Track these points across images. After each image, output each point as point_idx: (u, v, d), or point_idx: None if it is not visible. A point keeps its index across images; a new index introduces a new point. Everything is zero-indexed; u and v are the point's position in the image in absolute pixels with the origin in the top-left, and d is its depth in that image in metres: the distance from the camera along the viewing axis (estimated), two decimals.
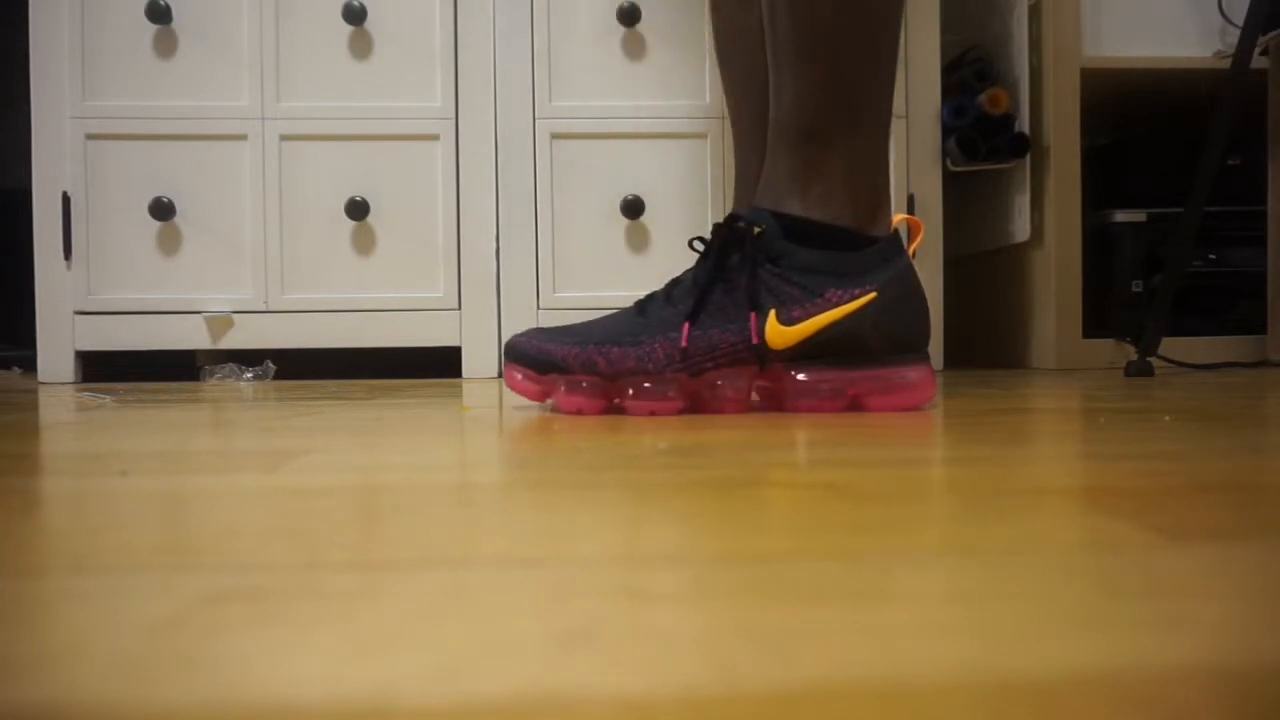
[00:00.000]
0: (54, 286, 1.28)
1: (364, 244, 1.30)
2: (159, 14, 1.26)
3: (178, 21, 1.28)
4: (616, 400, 0.69)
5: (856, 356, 0.68)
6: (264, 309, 1.29)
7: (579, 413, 0.69)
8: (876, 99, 0.72)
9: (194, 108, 1.28)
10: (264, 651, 0.18)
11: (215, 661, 0.18)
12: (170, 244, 1.29)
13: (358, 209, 1.28)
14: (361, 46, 1.30)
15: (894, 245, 0.70)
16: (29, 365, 1.45)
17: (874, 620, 0.20)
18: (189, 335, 1.29)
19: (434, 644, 0.18)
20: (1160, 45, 1.34)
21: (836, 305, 0.68)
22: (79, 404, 0.87)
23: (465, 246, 1.31)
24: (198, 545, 0.27)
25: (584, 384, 0.69)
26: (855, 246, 0.69)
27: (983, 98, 1.34)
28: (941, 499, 0.33)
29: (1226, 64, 1.19)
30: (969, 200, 1.55)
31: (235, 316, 1.29)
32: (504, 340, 0.73)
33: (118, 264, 1.28)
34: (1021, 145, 1.34)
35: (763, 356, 0.68)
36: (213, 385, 1.20)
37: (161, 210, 1.26)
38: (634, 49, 1.32)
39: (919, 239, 0.74)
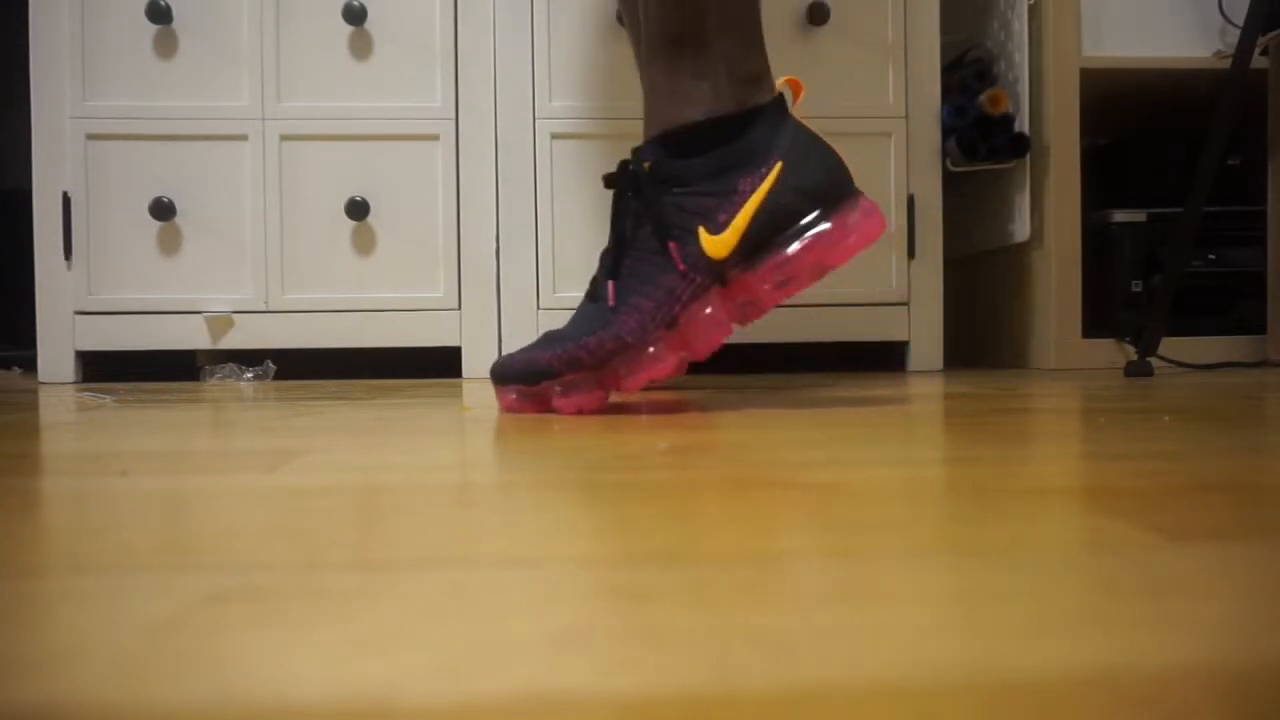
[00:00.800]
0: (54, 286, 1.28)
1: (364, 244, 1.30)
2: (159, 14, 1.26)
3: (178, 21, 1.28)
4: (612, 385, 0.69)
5: (796, 227, 0.68)
6: (264, 309, 1.29)
7: (581, 412, 0.69)
8: None
9: (194, 108, 1.28)
10: (264, 651, 0.18)
11: (215, 661, 0.18)
12: (170, 244, 1.29)
13: (358, 209, 1.28)
14: (361, 46, 1.30)
15: (775, 110, 0.69)
16: (29, 365, 1.45)
17: (874, 620, 0.20)
18: (189, 335, 1.29)
19: (434, 644, 0.18)
20: (1160, 45, 1.34)
21: (752, 192, 0.67)
22: (79, 404, 0.87)
23: (465, 246, 1.31)
24: (198, 545, 0.27)
25: (577, 381, 0.68)
26: (741, 127, 0.69)
27: (983, 98, 1.34)
28: (941, 499, 0.33)
29: (1226, 64, 1.19)
30: (969, 200, 1.55)
31: (235, 316, 1.29)
32: (499, 354, 0.72)
33: (118, 264, 1.28)
34: (1021, 145, 1.34)
35: (716, 273, 0.68)
36: (213, 385, 1.20)
37: (162, 210, 1.26)
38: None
39: (801, 96, 0.73)
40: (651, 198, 0.68)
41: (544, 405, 0.70)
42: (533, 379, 0.69)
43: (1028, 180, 1.36)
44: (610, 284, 0.68)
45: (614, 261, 0.69)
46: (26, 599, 0.22)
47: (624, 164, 0.70)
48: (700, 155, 0.68)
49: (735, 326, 0.70)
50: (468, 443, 0.52)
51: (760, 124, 0.68)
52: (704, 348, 0.69)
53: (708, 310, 0.68)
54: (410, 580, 0.23)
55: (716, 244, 0.67)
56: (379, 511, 0.32)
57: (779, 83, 0.72)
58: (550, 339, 0.71)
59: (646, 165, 0.69)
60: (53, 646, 0.18)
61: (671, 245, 0.67)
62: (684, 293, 0.68)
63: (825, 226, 0.67)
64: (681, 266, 0.67)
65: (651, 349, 0.68)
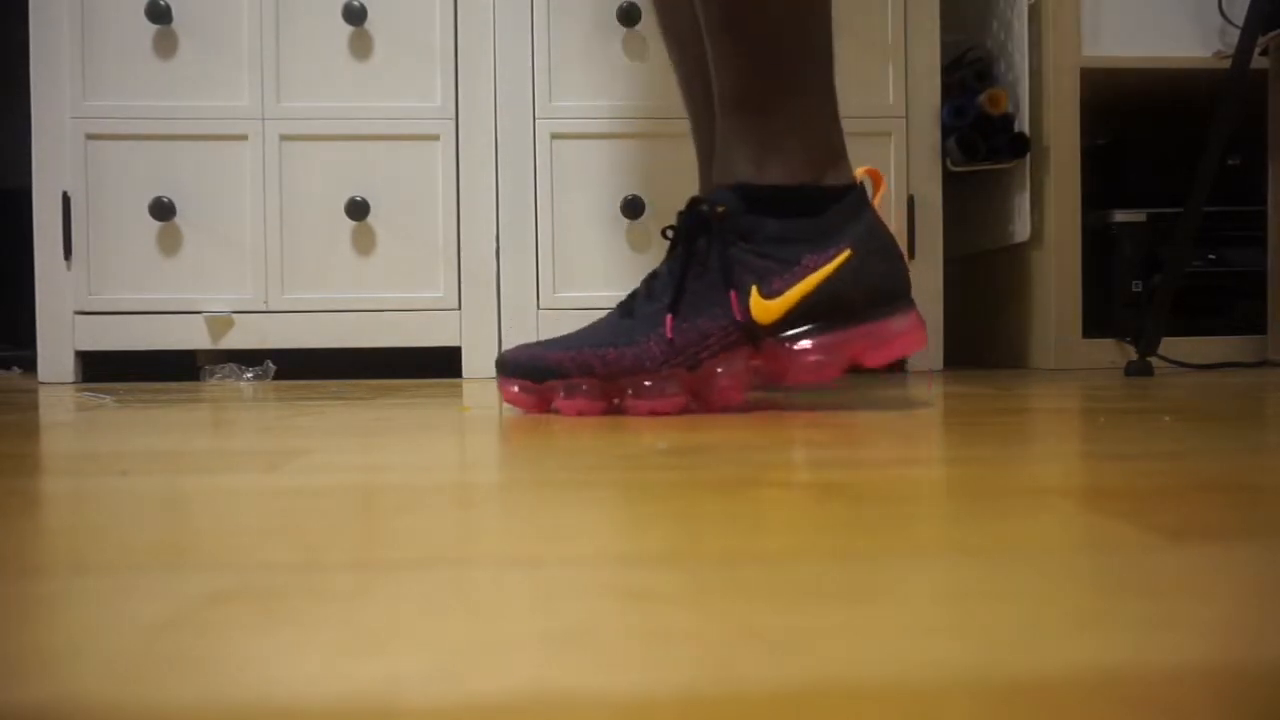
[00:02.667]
0: (54, 286, 1.28)
1: (364, 244, 1.30)
2: (159, 14, 1.26)
3: (178, 21, 1.28)
4: (616, 401, 0.69)
5: (843, 315, 0.68)
6: (264, 309, 1.29)
7: (580, 415, 0.69)
8: (818, 53, 0.71)
9: (194, 108, 1.28)
10: (264, 651, 0.18)
11: (215, 661, 0.18)
12: (170, 244, 1.29)
13: (358, 209, 1.28)
14: (361, 46, 1.30)
15: (858, 199, 0.70)
16: (29, 365, 1.45)
17: (874, 620, 0.20)
18: (189, 335, 1.29)
19: (434, 644, 0.18)
20: (1160, 45, 1.34)
21: (815, 269, 0.67)
22: (79, 404, 0.87)
23: (465, 246, 1.31)
24: (198, 545, 0.27)
25: (583, 386, 0.68)
26: (819, 202, 0.69)
27: (983, 98, 1.34)
28: (941, 499, 0.33)
29: (1226, 64, 1.19)
30: (969, 200, 1.55)
31: (235, 316, 1.29)
32: (500, 351, 0.72)
33: (118, 264, 1.28)
34: (1021, 145, 1.34)
35: (753, 334, 0.68)
36: (213, 385, 1.20)
37: (162, 210, 1.26)
38: (634, 49, 1.32)
39: (881, 190, 0.73)
40: (720, 244, 0.68)
41: (545, 403, 0.70)
42: (539, 376, 0.69)
43: (1028, 180, 1.36)
44: (669, 318, 0.68)
45: (674, 296, 0.68)
46: (26, 599, 0.22)
47: (695, 200, 0.70)
48: (774, 218, 0.68)
49: (748, 390, 0.70)
50: (467, 443, 0.52)
51: (840, 206, 0.69)
52: (715, 400, 0.69)
53: (732, 365, 0.68)
54: (410, 580, 0.23)
55: (766, 308, 0.67)
56: (379, 511, 0.32)
57: (859, 172, 0.73)
58: (563, 341, 0.71)
59: (720, 210, 0.68)
60: (53, 646, 0.18)
61: (733, 294, 0.67)
62: (716, 341, 0.68)
63: (872, 326, 0.68)
64: (739, 317, 0.67)
65: (665, 384, 0.68)
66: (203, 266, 1.29)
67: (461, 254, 1.31)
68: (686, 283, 0.69)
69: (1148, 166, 1.45)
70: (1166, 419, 0.60)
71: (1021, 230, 1.38)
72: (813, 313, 0.67)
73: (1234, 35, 1.25)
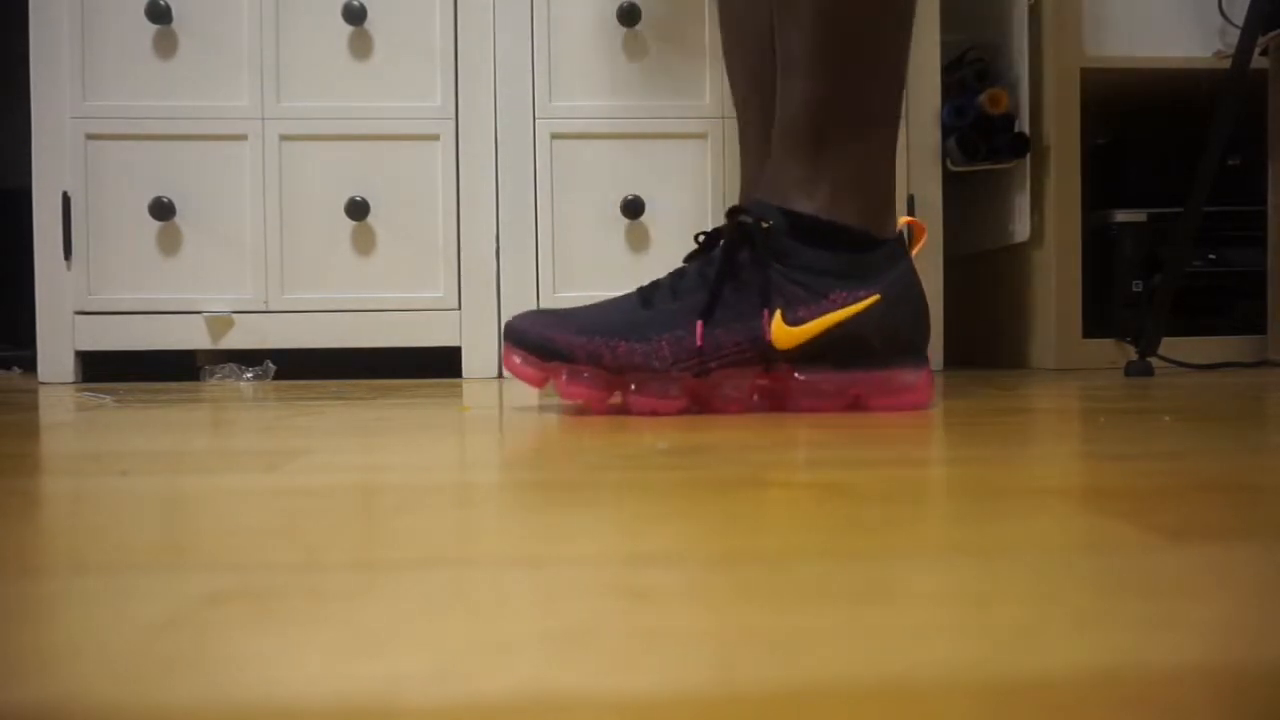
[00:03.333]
0: (54, 286, 1.28)
1: (364, 244, 1.30)
2: (159, 14, 1.26)
3: (178, 21, 1.28)
4: (618, 393, 0.69)
5: (858, 357, 0.69)
6: (264, 309, 1.29)
7: (579, 401, 0.69)
8: (888, 101, 0.72)
9: (194, 108, 1.28)
10: (264, 651, 0.18)
11: (215, 661, 0.18)
12: (170, 244, 1.29)
13: (358, 209, 1.28)
14: (361, 46, 1.30)
15: (898, 248, 0.71)
16: (29, 365, 1.45)
17: (874, 620, 0.20)
18: (189, 335, 1.29)
19: (434, 644, 0.18)
20: (1160, 45, 1.34)
21: (841, 306, 0.68)
22: (79, 404, 0.87)
23: (465, 246, 1.31)
24: (198, 545, 0.27)
25: (586, 374, 0.68)
26: (860, 247, 0.69)
27: (983, 98, 1.34)
28: (941, 499, 0.33)
29: (1226, 64, 1.19)
30: (969, 200, 1.55)
31: (235, 316, 1.29)
32: (514, 316, 0.72)
33: (118, 264, 1.28)
34: (1021, 145, 1.34)
35: (767, 356, 0.68)
36: (213, 385, 1.20)
37: (161, 210, 1.26)
38: (634, 49, 1.32)
39: (922, 242, 0.74)
40: (762, 262, 0.68)
41: (544, 380, 0.70)
42: (546, 355, 0.69)
43: (1028, 180, 1.36)
44: (699, 325, 0.68)
45: (709, 304, 0.68)
46: (26, 599, 0.22)
47: (738, 210, 0.70)
48: (813, 248, 0.68)
49: (748, 406, 0.70)
50: (468, 443, 0.52)
51: (879, 252, 0.69)
52: (716, 407, 0.70)
53: (740, 380, 0.69)
54: (410, 580, 0.23)
55: (786, 334, 0.68)
56: (379, 511, 0.32)
57: (902, 221, 0.73)
58: (577, 320, 0.70)
59: (766, 226, 0.69)
60: (53, 646, 0.18)
61: (766, 312, 0.68)
62: (730, 354, 0.68)
63: (884, 374, 0.69)
64: (767, 336, 0.67)
65: (670, 385, 0.68)
66: (203, 266, 1.29)
67: (461, 254, 1.31)
68: (723, 292, 0.68)
69: (1148, 166, 1.45)
70: (1166, 419, 0.60)
71: (1021, 230, 1.38)
72: (829, 348, 0.68)
73: (1234, 35, 1.25)
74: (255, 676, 0.17)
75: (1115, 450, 0.46)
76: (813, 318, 0.68)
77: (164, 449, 0.50)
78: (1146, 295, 1.35)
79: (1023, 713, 0.15)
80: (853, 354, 0.68)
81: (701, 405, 0.69)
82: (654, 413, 0.68)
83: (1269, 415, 0.64)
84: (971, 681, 0.16)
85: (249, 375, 1.29)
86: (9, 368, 1.60)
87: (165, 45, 1.28)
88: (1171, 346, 1.25)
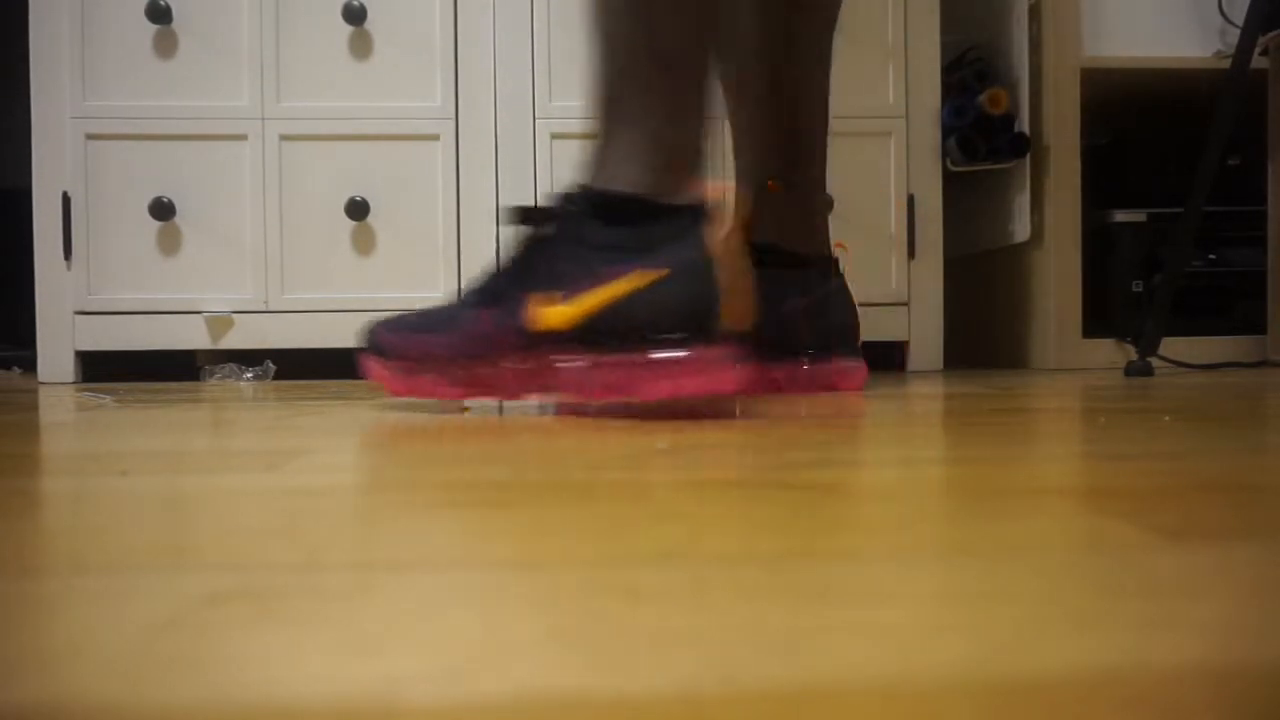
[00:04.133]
0: (54, 286, 1.28)
1: (364, 244, 1.30)
2: (159, 14, 1.26)
3: (178, 21, 1.28)
4: (423, 382, 0.71)
5: (625, 339, 0.63)
6: (264, 309, 1.29)
7: (406, 394, 0.72)
8: (670, 58, 0.66)
9: (194, 108, 1.28)
10: (263, 651, 0.18)
11: (215, 661, 0.18)
12: (170, 244, 1.29)
13: (358, 209, 1.28)
14: (361, 46, 1.30)
15: (692, 219, 0.63)
16: (29, 365, 1.45)
17: (874, 620, 0.20)
18: (189, 335, 1.29)
19: (434, 644, 0.18)
20: (1160, 45, 1.34)
21: (608, 283, 0.62)
22: (79, 404, 0.87)
23: (465, 246, 1.31)
24: (198, 545, 0.27)
25: (401, 369, 0.71)
26: (641, 218, 0.64)
27: (983, 98, 1.34)
28: (941, 499, 0.33)
29: (1226, 64, 1.19)
30: (969, 200, 1.55)
31: (235, 316, 1.29)
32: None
33: (118, 264, 1.28)
34: (1021, 145, 1.34)
35: (533, 340, 0.65)
36: (213, 385, 1.20)
37: (161, 210, 1.26)
38: None
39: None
40: (543, 245, 0.66)
41: (383, 379, 0.74)
42: (386, 356, 0.73)
43: (1028, 180, 1.36)
44: (481, 313, 0.68)
45: (483, 289, 0.68)
46: (26, 599, 0.22)
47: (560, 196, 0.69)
48: (595, 223, 0.65)
49: (537, 391, 0.68)
50: (468, 443, 0.52)
51: (663, 223, 0.63)
52: (498, 393, 0.69)
53: (514, 365, 0.67)
54: (410, 580, 0.23)
55: (548, 315, 0.64)
56: (379, 511, 0.32)
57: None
58: (415, 319, 0.72)
59: (570, 209, 0.66)
60: (53, 646, 0.18)
61: (529, 296, 0.65)
62: (500, 341, 0.66)
63: (646, 357, 0.62)
64: (526, 321, 0.65)
65: (451, 370, 0.69)
66: (203, 266, 1.29)
67: (461, 254, 1.31)
68: (505, 278, 0.68)
69: (1148, 166, 1.45)
70: (1166, 419, 0.60)
71: (1021, 230, 1.38)
72: (600, 326, 0.63)
73: (1234, 35, 1.25)
74: (255, 676, 0.17)
75: (1115, 450, 0.46)
76: (577, 297, 0.63)
77: (164, 449, 0.50)
78: (1146, 295, 1.35)
79: (1023, 713, 0.15)
80: (619, 336, 0.62)
81: (486, 391, 0.69)
82: (438, 396, 0.70)
83: (1269, 415, 0.64)
84: (971, 681, 0.16)
85: (249, 375, 1.29)
86: (9, 368, 1.60)
87: (165, 45, 1.28)
88: (1171, 346, 1.25)
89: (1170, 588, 0.22)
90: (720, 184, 0.66)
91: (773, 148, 0.92)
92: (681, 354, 0.61)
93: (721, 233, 0.63)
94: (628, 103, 0.67)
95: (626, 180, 0.66)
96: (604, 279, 0.62)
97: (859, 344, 0.93)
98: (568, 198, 0.67)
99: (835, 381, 0.90)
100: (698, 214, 0.64)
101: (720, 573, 0.23)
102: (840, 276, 0.91)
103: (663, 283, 0.62)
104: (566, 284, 0.64)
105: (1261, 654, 0.17)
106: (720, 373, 0.62)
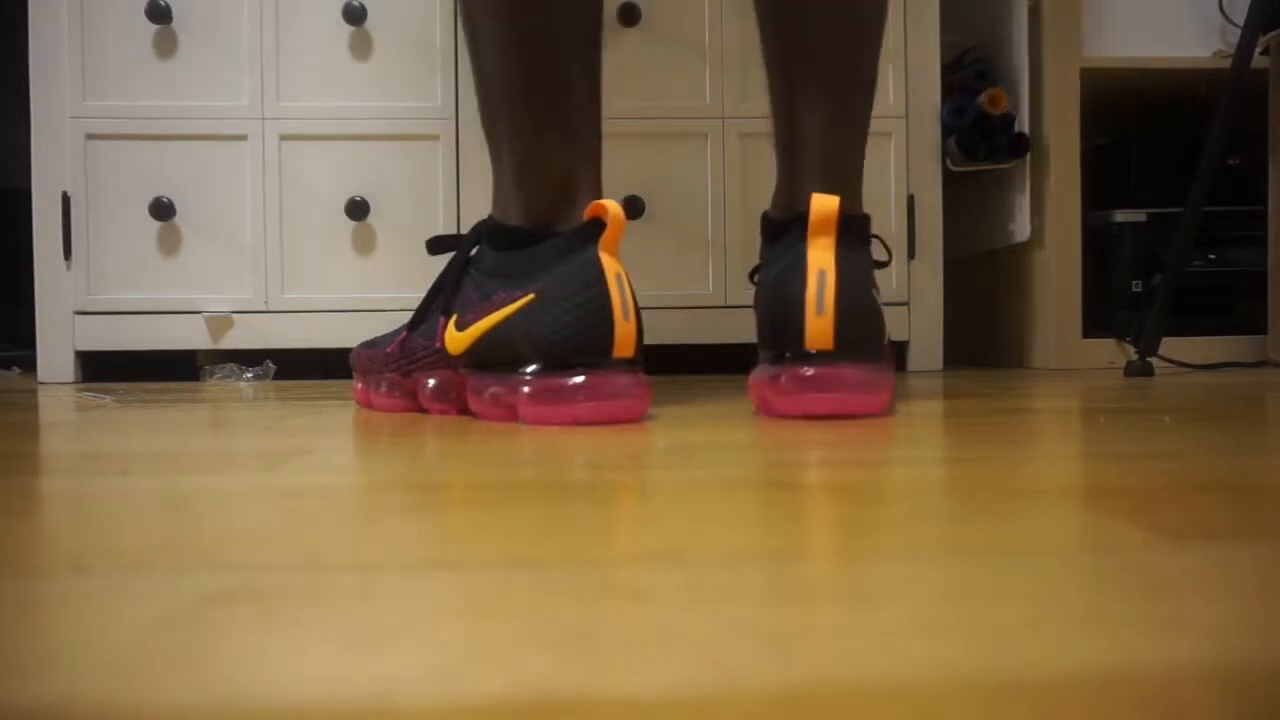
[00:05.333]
0: (54, 286, 1.28)
1: (364, 244, 1.30)
2: (159, 14, 1.26)
3: (178, 21, 1.28)
4: (373, 396, 0.75)
5: (506, 363, 0.63)
6: (264, 309, 1.29)
7: (365, 407, 0.77)
8: (526, 89, 0.66)
9: (194, 108, 1.28)
10: (264, 651, 0.18)
11: (215, 661, 0.18)
12: (170, 244, 1.29)
13: (358, 209, 1.28)
14: (361, 46, 1.30)
15: (571, 242, 0.61)
16: (29, 365, 1.45)
17: (874, 620, 0.20)
18: (189, 335, 1.29)
19: (434, 644, 0.18)
20: (1160, 45, 1.34)
21: (498, 309, 0.63)
22: (79, 404, 0.87)
23: None
24: (198, 545, 0.27)
25: (360, 383, 0.78)
26: (525, 244, 0.64)
27: (983, 98, 1.34)
28: (941, 499, 0.33)
29: (1226, 64, 1.19)
30: (969, 200, 1.55)
31: (235, 316, 1.29)
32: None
33: (118, 264, 1.28)
34: (1021, 145, 1.34)
35: (449, 361, 0.68)
36: (213, 385, 1.20)
37: (161, 210, 1.26)
38: (635, 49, 1.31)
39: (612, 232, 0.70)
40: (461, 270, 0.69)
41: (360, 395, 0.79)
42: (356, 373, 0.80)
43: (1028, 180, 1.36)
44: (405, 334, 0.73)
45: (417, 312, 0.73)
46: (26, 599, 0.22)
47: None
48: (495, 250, 0.67)
49: (453, 409, 0.69)
50: (468, 443, 0.52)
51: (544, 247, 0.62)
52: (425, 407, 0.71)
53: (439, 383, 0.70)
54: (410, 580, 0.23)
55: (453, 339, 0.66)
56: (379, 511, 0.32)
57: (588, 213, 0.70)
58: (383, 337, 0.78)
59: (473, 238, 0.70)
60: (53, 646, 0.18)
61: (443, 318, 0.68)
62: (422, 359, 0.71)
63: (526, 382, 0.60)
64: (439, 342, 0.68)
65: (383, 387, 0.74)
66: (202, 266, 1.29)
67: None
68: (432, 300, 0.72)
69: (1148, 166, 1.45)
70: (1166, 419, 0.60)
71: (1021, 230, 1.38)
72: (485, 353, 0.64)
73: (1234, 35, 1.25)
74: (254, 676, 0.17)
75: (1115, 450, 0.46)
76: (475, 322, 0.64)
77: (164, 449, 0.50)
78: (1146, 295, 1.35)
79: (1023, 713, 0.15)
80: (506, 359, 0.62)
81: (414, 403, 0.72)
82: (371, 408, 0.75)
83: (1269, 415, 0.64)
84: (971, 681, 0.16)
85: (249, 375, 1.29)
86: (9, 368, 1.60)
87: (165, 45, 1.28)
88: (1171, 346, 1.25)
89: (1170, 588, 0.22)
90: (603, 204, 0.61)
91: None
92: (565, 385, 0.58)
93: (605, 255, 0.60)
94: (499, 136, 0.69)
95: (506, 208, 0.69)
96: (491, 306, 0.64)
97: None
98: (477, 225, 0.71)
99: None
100: (574, 236, 0.61)
101: (720, 573, 0.23)
102: None
103: (530, 308, 0.61)
104: (466, 310, 0.66)
105: (1262, 654, 0.17)
106: (607, 403, 0.58)
